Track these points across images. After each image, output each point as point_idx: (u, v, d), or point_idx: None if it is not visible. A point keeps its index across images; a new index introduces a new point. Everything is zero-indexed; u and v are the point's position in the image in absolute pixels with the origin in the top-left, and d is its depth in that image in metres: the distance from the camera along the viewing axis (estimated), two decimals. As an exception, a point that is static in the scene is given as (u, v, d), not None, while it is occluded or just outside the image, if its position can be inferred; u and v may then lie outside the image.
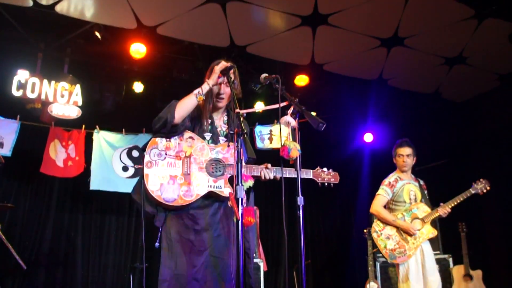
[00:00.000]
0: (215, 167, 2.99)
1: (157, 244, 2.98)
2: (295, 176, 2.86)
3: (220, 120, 3.24)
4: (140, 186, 2.92)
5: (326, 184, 3.27)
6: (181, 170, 2.93)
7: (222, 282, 2.88)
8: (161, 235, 2.97)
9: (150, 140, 3.02)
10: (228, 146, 3.05)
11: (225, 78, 3.01)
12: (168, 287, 2.84)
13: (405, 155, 4.90)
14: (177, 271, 2.87)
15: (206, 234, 2.93)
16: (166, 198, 2.86)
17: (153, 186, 2.86)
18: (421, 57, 6.60)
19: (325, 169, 3.30)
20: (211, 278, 2.88)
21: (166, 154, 2.95)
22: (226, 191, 2.93)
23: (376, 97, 7.50)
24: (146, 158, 2.93)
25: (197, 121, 3.14)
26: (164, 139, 2.98)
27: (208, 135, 3.11)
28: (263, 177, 3.05)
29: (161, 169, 2.90)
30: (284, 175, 2.96)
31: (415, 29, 6.00)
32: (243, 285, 2.45)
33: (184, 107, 2.97)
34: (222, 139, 3.15)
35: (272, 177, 3.05)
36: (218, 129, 3.18)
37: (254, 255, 6.06)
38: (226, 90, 3.13)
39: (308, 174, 3.22)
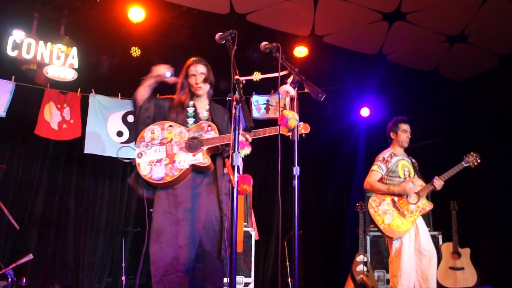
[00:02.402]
0: (192, 144, 3.44)
1: (151, 210, 3.47)
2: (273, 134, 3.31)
3: (202, 107, 3.68)
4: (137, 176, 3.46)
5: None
6: (165, 153, 3.44)
7: (196, 247, 3.31)
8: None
9: (138, 135, 3.54)
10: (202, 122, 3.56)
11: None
12: (154, 255, 3.30)
13: (409, 131, 4.96)
14: (163, 240, 3.30)
15: (186, 206, 3.37)
16: (155, 178, 3.37)
17: (144, 171, 3.40)
18: (422, 34, 6.54)
19: None
20: (186, 243, 3.28)
21: (152, 143, 3.48)
22: (205, 161, 3.39)
23: (374, 72, 7.44)
24: (137, 150, 3.48)
25: (180, 109, 3.62)
26: (149, 132, 3.51)
27: (191, 120, 3.59)
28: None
29: (149, 156, 3.44)
30: (254, 137, 3.42)
31: (418, 5, 5.93)
32: (235, 251, 2.48)
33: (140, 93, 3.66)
34: (204, 123, 3.56)
35: (244, 139, 3.38)
36: (200, 115, 3.63)
37: (246, 223, 6.11)
38: (200, 81, 3.62)
39: (276, 130, 3.44)
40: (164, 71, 3.65)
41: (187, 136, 3.47)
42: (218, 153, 3.56)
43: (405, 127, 4.97)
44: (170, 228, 3.32)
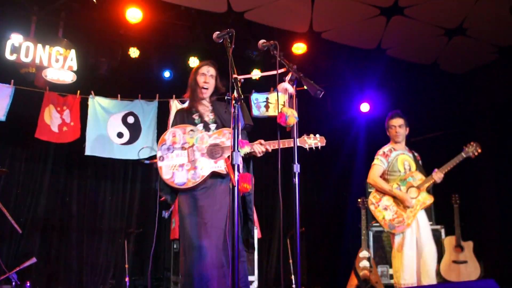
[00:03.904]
0: (214, 150, 3.50)
1: (164, 214, 3.69)
2: (288, 146, 3.20)
3: (206, 111, 3.75)
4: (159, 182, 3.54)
5: (314, 148, 3.55)
6: (187, 159, 3.50)
7: (219, 250, 3.35)
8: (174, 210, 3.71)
9: (160, 138, 3.62)
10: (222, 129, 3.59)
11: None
12: (185, 260, 3.40)
13: (397, 125, 4.93)
14: (187, 242, 3.41)
15: (208, 208, 3.44)
16: (178, 182, 3.45)
17: (167, 175, 3.48)
18: (420, 28, 6.53)
19: (311, 135, 3.56)
20: (209, 246, 3.33)
21: (173, 147, 3.54)
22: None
23: (373, 67, 7.44)
24: (158, 153, 3.54)
25: (187, 119, 3.70)
26: (170, 135, 3.57)
27: (200, 126, 3.64)
28: (257, 153, 3.45)
29: (171, 160, 3.51)
30: (274, 147, 3.43)
31: (416, -2, 5.93)
32: (237, 252, 2.49)
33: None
34: (212, 126, 3.66)
35: (264, 150, 3.47)
36: (206, 119, 3.69)
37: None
38: (209, 82, 3.72)
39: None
40: None
41: (208, 143, 3.53)
42: None
43: (392, 122, 4.96)
44: (196, 233, 3.39)
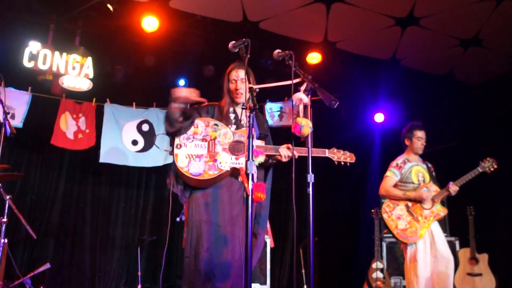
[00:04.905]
0: (237, 147, 3.33)
1: (178, 219, 3.63)
2: (317, 155, 3.19)
3: (243, 114, 3.54)
4: (171, 169, 3.37)
5: (342, 163, 3.50)
6: (207, 150, 3.31)
7: (230, 258, 3.22)
8: (184, 212, 3.45)
9: None
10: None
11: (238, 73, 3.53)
12: (189, 262, 3.24)
13: (424, 138, 4.91)
14: (196, 246, 3.24)
15: (225, 211, 3.29)
16: (193, 172, 3.23)
17: (182, 163, 3.25)
18: (435, 38, 6.51)
19: (341, 150, 3.52)
20: (221, 253, 3.20)
21: (193, 138, 3.34)
22: None
23: (388, 77, 7.42)
24: (176, 141, 3.32)
25: (221, 115, 3.51)
26: (192, 126, 3.36)
27: (233, 127, 3.45)
28: (283, 156, 3.30)
29: (189, 149, 3.31)
30: (300, 154, 3.22)
31: (431, 9, 5.90)
32: (250, 261, 2.49)
33: (169, 117, 3.33)
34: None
35: (290, 154, 3.30)
36: (242, 122, 3.50)
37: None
38: (241, 86, 3.48)
39: (324, 152, 3.45)
40: (188, 95, 3.36)
41: (232, 139, 3.36)
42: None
43: (420, 134, 4.92)
44: (209, 236, 3.23)
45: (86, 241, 6.90)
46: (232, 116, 3.53)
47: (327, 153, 3.42)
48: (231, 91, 3.55)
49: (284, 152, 3.31)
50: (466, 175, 4.72)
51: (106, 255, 6.93)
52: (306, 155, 2.93)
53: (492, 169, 4.76)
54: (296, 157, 3.19)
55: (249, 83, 2.84)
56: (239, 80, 3.51)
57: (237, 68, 3.56)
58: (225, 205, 3.32)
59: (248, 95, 2.77)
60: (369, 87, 7.69)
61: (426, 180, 4.84)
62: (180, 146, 3.30)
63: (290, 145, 3.30)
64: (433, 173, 4.95)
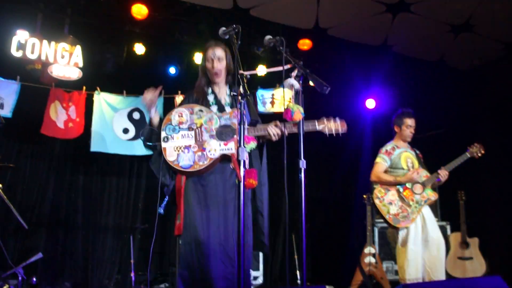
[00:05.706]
0: (224, 132, 3.25)
1: (160, 210, 3.35)
2: (307, 130, 3.04)
3: (222, 93, 3.51)
4: (159, 159, 3.29)
5: (334, 134, 3.34)
6: (194, 140, 3.24)
7: (231, 239, 3.19)
8: (168, 202, 3.35)
9: (165, 118, 3.33)
10: (234, 110, 3.27)
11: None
12: (190, 249, 3.20)
13: (413, 126, 4.94)
14: (193, 232, 3.20)
15: (218, 198, 3.25)
16: (183, 165, 3.19)
17: (171, 157, 3.21)
18: (426, 24, 6.51)
19: (331, 117, 3.37)
20: (222, 237, 3.17)
21: (179, 128, 3.28)
22: None
23: (379, 64, 7.42)
24: (163, 134, 3.26)
25: (202, 97, 3.45)
26: (177, 115, 3.30)
27: (214, 108, 3.40)
28: (272, 135, 3.21)
29: (177, 141, 3.24)
30: (291, 131, 3.12)
31: (422, -5, 5.91)
32: (243, 246, 2.49)
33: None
34: (227, 109, 3.41)
35: (279, 132, 3.22)
36: (222, 101, 3.45)
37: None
38: (217, 66, 3.43)
39: (313, 126, 3.30)
40: (153, 97, 3.37)
41: (218, 123, 3.28)
42: None
43: (409, 122, 4.94)
44: (203, 222, 3.20)
45: (78, 231, 6.87)
46: (211, 97, 3.47)
47: (317, 126, 3.29)
48: (208, 70, 3.48)
49: (273, 130, 3.23)
50: (454, 160, 4.79)
51: (99, 244, 6.91)
52: (296, 131, 2.91)
53: (479, 154, 4.83)
54: (286, 134, 3.13)
55: (234, 67, 2.80)
56: (215, 58, 3.44)
57: (214, 46, 3.48)
58: (218, 190, 3.26)
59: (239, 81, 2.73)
60: (361, 73, 7.67)
61: (415, 166, 4.87)
62: (167, 139, 3.25)
63: (277, 122, 3.23)
64: (422, 160, 4.98)
